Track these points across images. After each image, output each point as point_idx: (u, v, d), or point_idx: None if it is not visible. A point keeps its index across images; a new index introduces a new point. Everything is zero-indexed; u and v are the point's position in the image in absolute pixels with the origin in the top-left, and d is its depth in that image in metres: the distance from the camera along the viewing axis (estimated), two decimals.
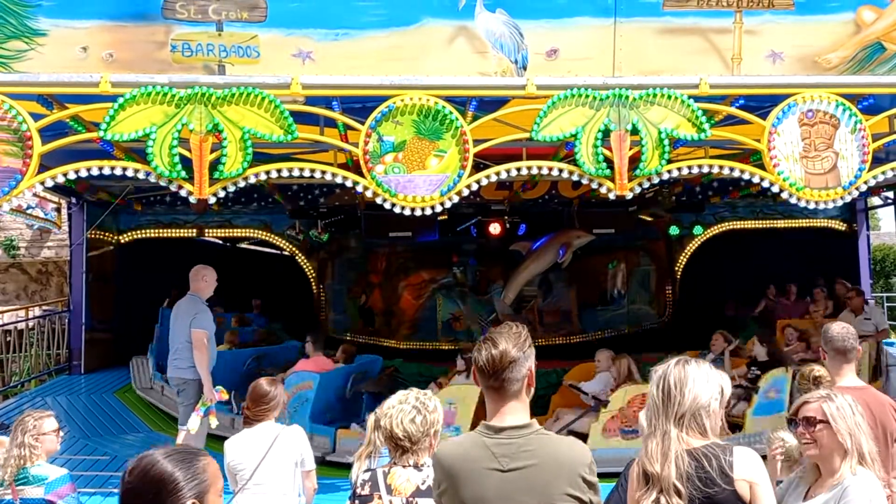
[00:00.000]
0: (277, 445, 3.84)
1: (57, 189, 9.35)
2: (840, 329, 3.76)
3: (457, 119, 5.25)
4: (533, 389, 2.40)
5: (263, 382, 4.04)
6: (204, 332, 6.04)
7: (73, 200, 10.73)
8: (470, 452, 2.33)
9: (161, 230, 11.93)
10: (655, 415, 2.44)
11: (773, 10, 5.52)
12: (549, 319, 12.37)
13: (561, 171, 5.45)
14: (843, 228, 12.52)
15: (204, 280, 6.27)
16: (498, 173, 5.45)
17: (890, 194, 11.29)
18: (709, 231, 12.45)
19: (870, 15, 5.62)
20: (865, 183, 5.60)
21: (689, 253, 12.60)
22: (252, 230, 12.28)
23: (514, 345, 2.35)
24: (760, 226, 12.57)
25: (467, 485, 2.29)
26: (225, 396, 6.08)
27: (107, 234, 11.49)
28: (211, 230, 12.29)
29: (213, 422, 6.03)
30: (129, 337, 11.09)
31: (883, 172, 5.65)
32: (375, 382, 8.23)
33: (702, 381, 2.41)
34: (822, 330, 3.87)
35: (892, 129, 5.92)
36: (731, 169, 5.59)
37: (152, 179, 5.10)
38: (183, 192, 5.10)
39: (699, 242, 12.51)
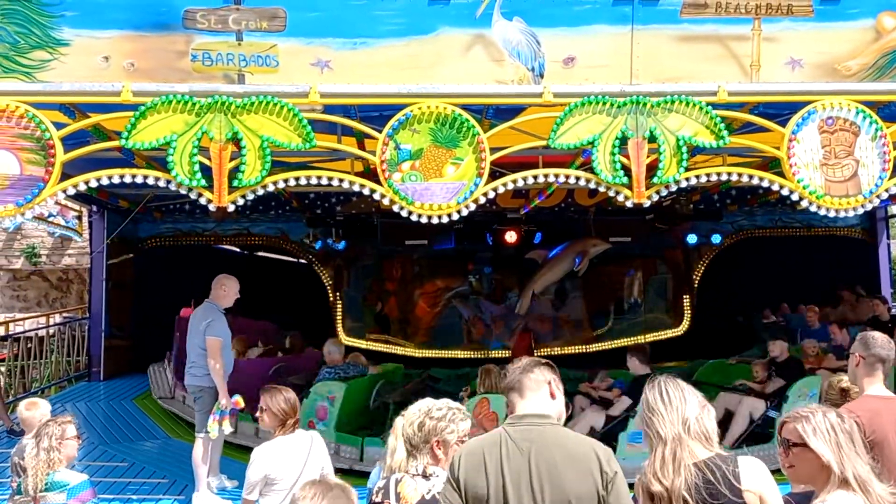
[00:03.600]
0: (312, 454, 3.91)
1: (78, 197, 9.48)
2: (884, 338, 3.73)
3: (473, 127, 5.26)
4: (558, 403, 2.64)
5: (289, 390, 4.10)
6: (218, 339, 6.09)
7: (94, 208, 10.88)
8: (493, 440, 2.51)
9: (180, 238, 12.04)
10: (661, 425, 2.47)
11: (793, 18, 5.49)
12: (564, 328, 12.33)
13: (578, 179, 5.44)
14: (864, 237, 12.39)
15: (223, 289, 6.32)
16: (515, 181, 5.45)
17: None
18: (727, 239, 12.37)
19: (890, 21, 5.57)
20: (886, 191, 5.53)
21: (706, 261, 12.51)
22: (269, 238, 12.36)
23: (531, 360, 2.68)
24: (779, 234, 12.47)
25: (489, 468, 2.43)
26: (241, 405, 6.11)
27: (127, 241, 11.60)
28: (229, 238, 12.38)
29: (227, 427, 6.07)
30: (147, 344, 11.19)
31: None
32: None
33: (688, 393, 2.52)
34: (863, 335, 3.82)
35: None
36: (751, 177, 5.55)
37: (172, 187, 5.15)
38: (202, 200, 5.15)
39: (717, 251, 12.42)
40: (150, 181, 5.21)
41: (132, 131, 5.03)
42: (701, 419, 2.45)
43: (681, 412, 2.44)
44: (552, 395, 2.61)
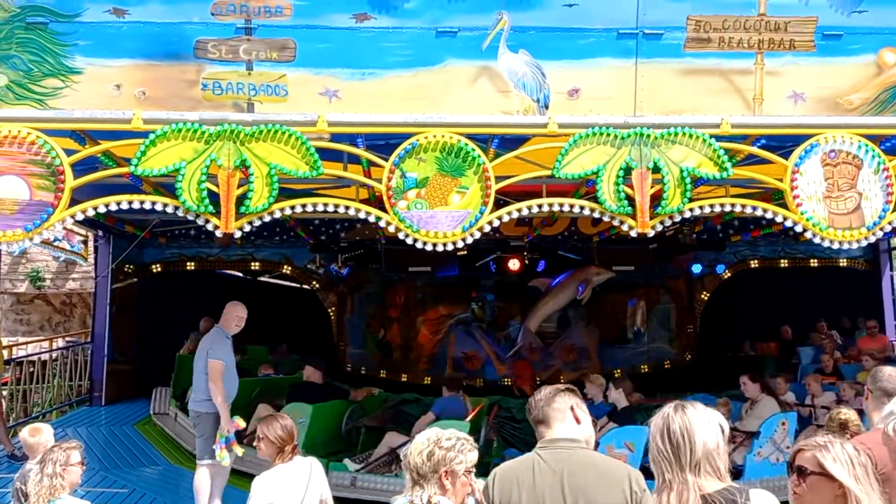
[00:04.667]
0: (312, 479, 3.92)
1: (85, 222, 9.54)
2: (892, 371, 3.73)
3: (479, 156, 5.32)
4: (584, 426, 2.70)
5: (285, 417, 4.10)
6: (219, 362, 6.12)
7: (100, 233, 10.93)
8: (526, 463, 2.63)
9: (184, 263, 12.08)
10: (668, 467, 2.37)
11: (795, 52, 5.57)
12: (567, 357, 12.30)
13: (583, 208, 5.48)
14: (866, 268, 12.40)
15: (225, 315, 6.38)
16: (519, 210, 5.49)
17: None
18: (730, 270, 12.38)
19: (891, 57, 5.64)
20: (889, 223, 5.56)
21: (709, 291, 12.51)
22: (273, 264, 12.39)
23: (552, 388, 2.77)
24: (782, 265, 12.48)
25: (523, 489, 2.53)
26: (242, 425, 6.09)
27: (131, 266, 11.64)
28: (232, 263, 12.42)
29: (239, 451, 6.05)
30: (150, 369, 11.17)
31: None
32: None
33: (704, 424, 2.38)
34: (874, 371, 3.84)
35: None
36: (755, 208, 5.59)
37: (180, 213, 5.20)
38: (209, 226, 5.19)
39: (720, 281, 12.42)
40: (159, 207, 5.26)
41: (142, 158, 5.09)
42: (713, 457, 2.34)
43: (693, 450, 2.34)
44: (577, 420, 2.68)
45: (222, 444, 5.92)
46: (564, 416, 2.67)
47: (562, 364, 12.08)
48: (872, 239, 5.58)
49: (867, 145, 5.50)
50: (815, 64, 5.58)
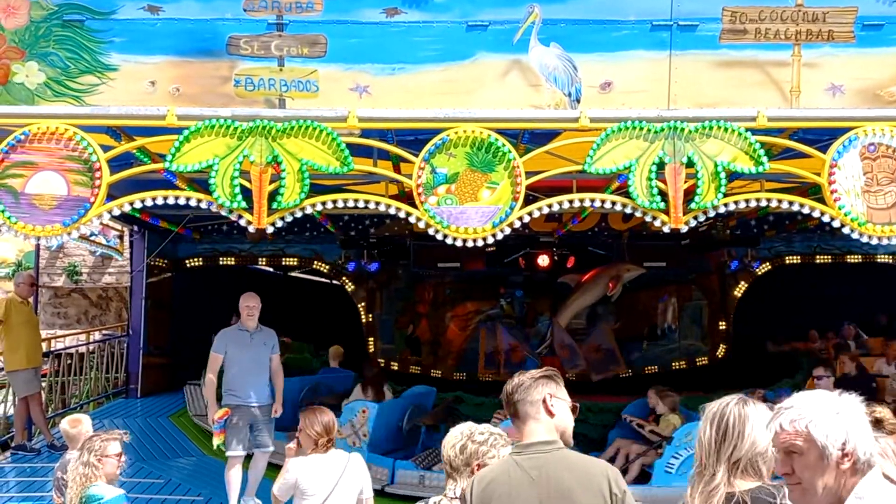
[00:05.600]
0: (347, 473, 3.96)
1: (120, 217, 9.66)
2: None
3: (509, 151, 5.29)
4: (559, 418, 2.55)
5: (327, 412, 4.17)
6: (214, 354, 6.37)
7: (136, 228, 11.10)
8: (502, 469, 2.51)
9: (217, 258, 12.22)
10: (706, 455, 2.31)
11: (833, 43, 5.44)
12: (595, 356, 12.20)
13: (614, 203, 5.43)
14: None
15: (239, 307, 6.51)
16: (550, 205, 5.45)
17: None
18: (764, 265, 12.17)
19: None
20: None
21: (743, 287, 12.31)
22: (304, 259, 12.48)
23: (528, 376, 2.59)
24: (818, 261, 12.24)
25: (502, 496, 2.43)
26: (224, 414, 6.17)
27: (166, 261, 11.82)
28: (264, 258, 12.54)
29: (216, 441, 6.16)
30: (184, 362, 11.34)
31: None
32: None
33: (760, 424, 2.26)
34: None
35: None
36: (791, 203, 5.49)
37: (213, 209, 5.26)
38: (242, 222, 5.24)
39: (754, 277, 12.22)
40: (192, 202, 5.33)
41: (176, 154, 5.16)
42: (757, 459, 2.25)
43: (738, 446, 2.26)
44: (549, 413, 2.54)
45: (216, 430, 6.07)
46: (538, 411, 2.53)
47: (590, 362, 12.00)
48: None
49: None
50: (855, 55, 5.46)
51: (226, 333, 6.50)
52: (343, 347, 10.22)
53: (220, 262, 12.20)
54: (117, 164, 5.53)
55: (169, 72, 5.44)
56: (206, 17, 5.34)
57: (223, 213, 5.25)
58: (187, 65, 5.42)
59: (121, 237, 12.51)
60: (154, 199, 5.35)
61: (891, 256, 12.05)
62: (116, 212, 5.44)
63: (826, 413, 1.89)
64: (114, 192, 5.44)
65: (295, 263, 12.57)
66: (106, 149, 5.34)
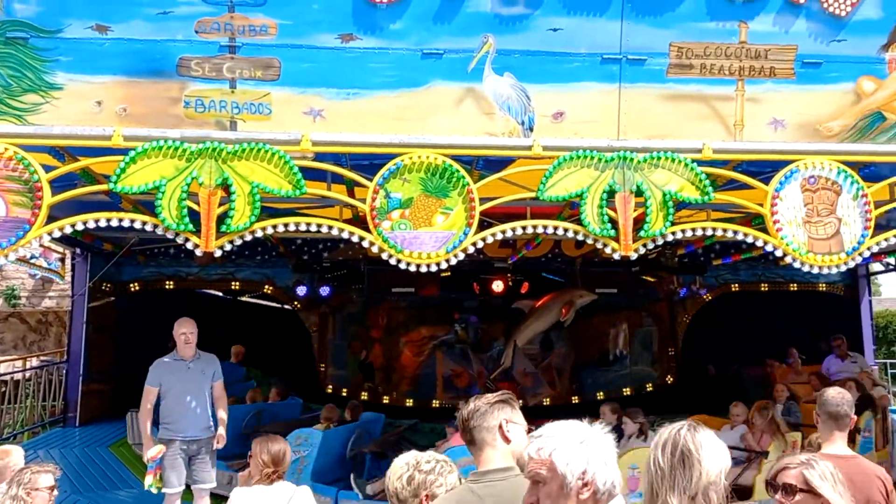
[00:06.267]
0: None
1: (62, 240, 9.38)
2: (836, 393, 3.69)
3: (464, 177, 5.32)
4: (515, 443, 2.51)
5: (279, 441, 4.06)
6: (147, 388, 6.15)
7: (78, 251, 10.78)
8: (459, 497, 2.48)
9: (163, 282, 11.92)
10: (658, 483, 2.21)
11: (775, 80, 5.65)
12: (549, 379, 12.26)
13: (566, 230, 5.49)
14: (845, 293, 12.51)
15: (174, 335, 6.31)
16: (504, 231, 5.49)
17: (891, 260, 11.33)
18: (711, 293, 12.44)
19: (869, 85, 5.74)
20: (868, 249, 5.63)
21: (691, 315, 12.55)
22: (254, 283, 12.27)
23: (484, 401, 2.56)
24: (762, 289, 12.57)
25: None
26: (157, 454, 5.94)
27: (109, 284, 11.48)
28: (212, 283, 12.28)
29: (147, 480, 5.91)
30: (127, 389, 10.95)
31: (886, 239, 5.68)
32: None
33: (713, 451, 2.22)
34: (819, 393, 3.82)
35: (892, 197, 5.97)
36: (735, 232, 5.63)
37: (160, 232, 5.14)
38: (189, 245, 5.13)
39: (701, 304, 12.48)
40: (137, 225, 5.19)
41: (122, 175, 5.03)
42: (710, 488, 2.16)
43: (691, 474, 2.16)
44: (506, 440, 2.50)
45: (150, 469, 5.84)
46: (494, 438, 2.49)
47: (546, 386, 12.05)
48: (851, 264, 5.63)
49: (846, 171, 5.57)
50: (795, 91, 5.67)
51: (160, 364, 6.26)
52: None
53: (167, 286, 11.91)
54: (60, 184, 5.35)
55: (116, 92, 5.32)
56: (156, 37, 5.25)
57: (169, 235, 5.12)
58: (136, 85, 5.31)
59: (62, 260, 12.12)
60: (97, 221, 5.19)
61: (831, 285, 12.45)
62: (58, 234, 5.26)
63: (570, 442, 1.87)
64: (56, 214, 5.27)
65: (242, 288, 12.34)
66: (48, 169, 5.18)
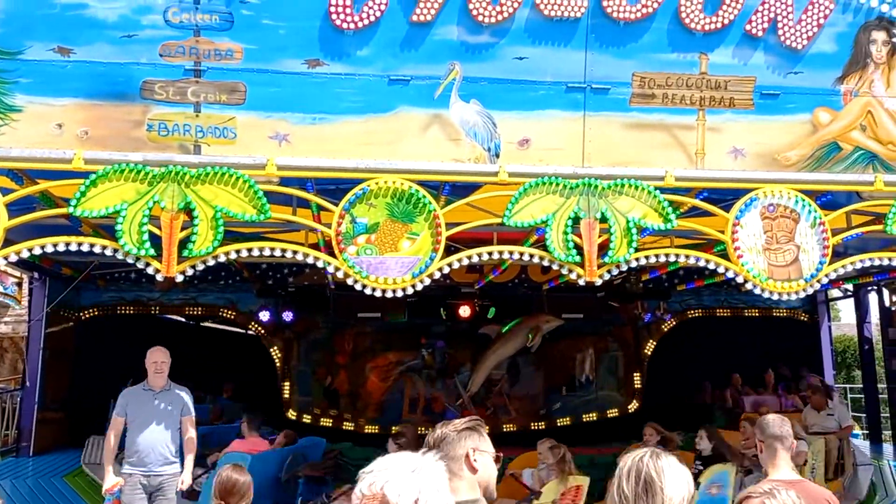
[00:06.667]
0: None
1: (19, 264, 9.14)
2: (776, 418, 3.76)
3: (430, 203, 5.33)
4: (482, 473, 2.46)
5: (231, 472, 3.94)
6: (113, 417, 5.95)
7: (36, 275, 10.50)
8: None
9: (123, 307, 11.67)
10: None
11: (734, 110, 5.79)
12: (516, 405, 12.24)
13: (532, 256, 5.52)
14: (806, 319, 12.75)
15: (146, 363, 6.11)
16: (470, 257, 5.50)
17: (849, 287, 11.59)
18: (675, 318, 12.58)
19: (825, 116, 5.92)
20: (826, 276, 5.75)
21: (656, 340, 12.66)
22: (217, 308, 12.08)
23: (451, 428, 2.48)
24: (724, 314, 12.74)
25: None
26: (114, 487, 5.77)
27: (68, 310, 11.20)
28: (174, 308, 12.06)
29: None
30: (84, 417, 10.66)
31: (843, 266, 5.82)
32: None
33: (676, 478, 2.24)
34: (758, 421, 3.85)
35: (849, 225, 6.13)
36: (697, 258, 5.72)
37: (120, 256, 5.04)
38: (150, 270, 5.04)
39: (666, 330, 12.60)
40: (97, 250, 5.09)
41: (81, 199, 4.95)
42: None
43: (655, 501, 2.18)
44: (472, 469, 2.45)
45: (106, 502, 5.66)
46: (461, 468, 2.43)
47: (512, 412, 12.01)
48: (810, 291, 5.75)
49: (804, 200, 5.71)
50: (754, 121, 5.81)
51: (128, 393, 6.06)
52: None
53: (127, 311, 11.65)
54: (18, 208, 5.23)
55: (78, 114, 5.24)
56: (120, 60, 5.19)
57: (130, 260, 5.03)
58: (98, 108, 5.23)
59: (19, 284, 11.83)
60: (56, 245, 5.08)
61: (792, 311, 12.68)
62: (14, 258, 5.14)
63: (400, 472, 1.87)
64: (13, 237, 5.15)
65: (204, 313, 12.13)
66: (6, 192, 5.08)
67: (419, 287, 5.34)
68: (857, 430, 11.44)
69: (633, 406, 12.31)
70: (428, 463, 1.88)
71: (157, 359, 6.01)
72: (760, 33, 5.74)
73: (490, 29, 5.46)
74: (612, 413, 12.36)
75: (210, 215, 5.03)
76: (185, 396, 6.07)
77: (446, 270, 5.44)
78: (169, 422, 5.94)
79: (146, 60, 5.21)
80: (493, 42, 5.49)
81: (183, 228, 5.05)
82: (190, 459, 5.95)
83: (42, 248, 5.11)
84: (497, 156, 5.59)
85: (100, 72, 5.20)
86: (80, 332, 11.44)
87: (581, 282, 5.48)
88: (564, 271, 5.49)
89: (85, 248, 5.10)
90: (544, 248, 5.46)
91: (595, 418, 12.17)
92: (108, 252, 5.07)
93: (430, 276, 5.32)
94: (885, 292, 10.95)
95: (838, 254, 5.99)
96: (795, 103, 5.85)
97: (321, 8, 5.27)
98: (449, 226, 5.37)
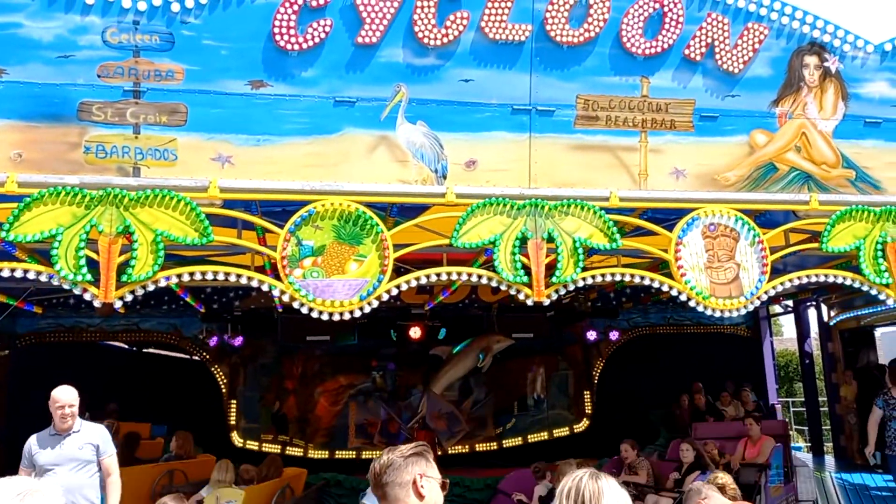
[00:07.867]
0: None
1: None
2: (694, 490, 3.88)
3: (377, 224, 5.29)
4: (428, 499, 2.42)
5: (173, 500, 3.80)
6: (20, 469, 5.34)
7: None
8: None
9: (62, 334, 11.25)
10: None
11: (675, 132, 5.93)
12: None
13: (480, 277, 5.52)
14: (749, 335, 13.05)
15: (49, 407, 5.43)
16: (418, 278, 5.47)
17: (790, 303, 11.93)
18: (623, 336, 12.73)
19: (762, 138, 6.11)
20: (766, 293, 5.90)
21: (604, 358, 12.79)
22: (160, 334, 11.74)
23: (398, 454, 2.45)
24: (670, 331, 12.96)
25: None
26: None
27: (2, 338, 10.74)
28: (116, 334, 11.68)
29: None
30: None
31: (781, 283, 5.98)
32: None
33: (614, 498, 2.30)
34: (686, 491, 3.97)
35: (787, 243, 6.32)
36: (642, 277, 5.80)
37: (55, 282, 4.86)
38: (87, 296, 4.87)
39: (614, 347, 12.74)
40: (32, 275, 4.90)
41: (14, 223, 4.76)
42: None
43: None
44: (419, 496, 2.41)
45: None
46: (408, 494, 2.40)
47: (464, 426, 11.96)
48: (751, 307, 5.89)
49: (743, 219, 5.87)
50: (694, 143, 5.96)
51: (33, 440, 5.41)
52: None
53: (66, 339, 11.23)
54: None
55: (11, 136, 5.05)
56: (55, 81, 5.04)
57: (66, 286, 4.85)
58: (32, 130, 5.05)
59: None
60: None
61: (735, 327, 12.97)
62: None
63: (6, 498, 1.83)
64: None
65: (147, 339, 11.78)
66: None
67: (367, 309, 5.28)
68: (799, 444, 11.70)
69: (585, 424, 12.39)
70: (36, 487, 1.82)
71: (62, 401, 5.30)
72: (699, 58, 5.91)
73: (436, 51, 5.49)
74: (564, 431, 12.41)
75: (150, 239, 4.90)
76: (100, 435, 5.44)
77: (395, 292, 5.40)
78: (82, 465, 5.34)
79: (83, 81, 5.07)
80: (438, 64, 5.52)
81: (122, 253, 4.89)
82: (113, 502, 5.36)
83: None
84: (444, 177, 5.60)
85: (35, 93, 5.04)
86: (16, 360, 10.97)
87: (529, 302, 5.50)
88: (513, 291, 5.51)
89: (18, 274, 4.90)
90: (493, 268, 5.47)
91: (547, 437, 12.20)
92: (44, 278, 4.88)
93: (379, 298, 5.27)
94: (824, 308, 11.30)
95: (777, 271, 6.17)
96: (733, 125, 6.04)
97: (264, 29, 5.22)
98: (397, 247, 5.34)
